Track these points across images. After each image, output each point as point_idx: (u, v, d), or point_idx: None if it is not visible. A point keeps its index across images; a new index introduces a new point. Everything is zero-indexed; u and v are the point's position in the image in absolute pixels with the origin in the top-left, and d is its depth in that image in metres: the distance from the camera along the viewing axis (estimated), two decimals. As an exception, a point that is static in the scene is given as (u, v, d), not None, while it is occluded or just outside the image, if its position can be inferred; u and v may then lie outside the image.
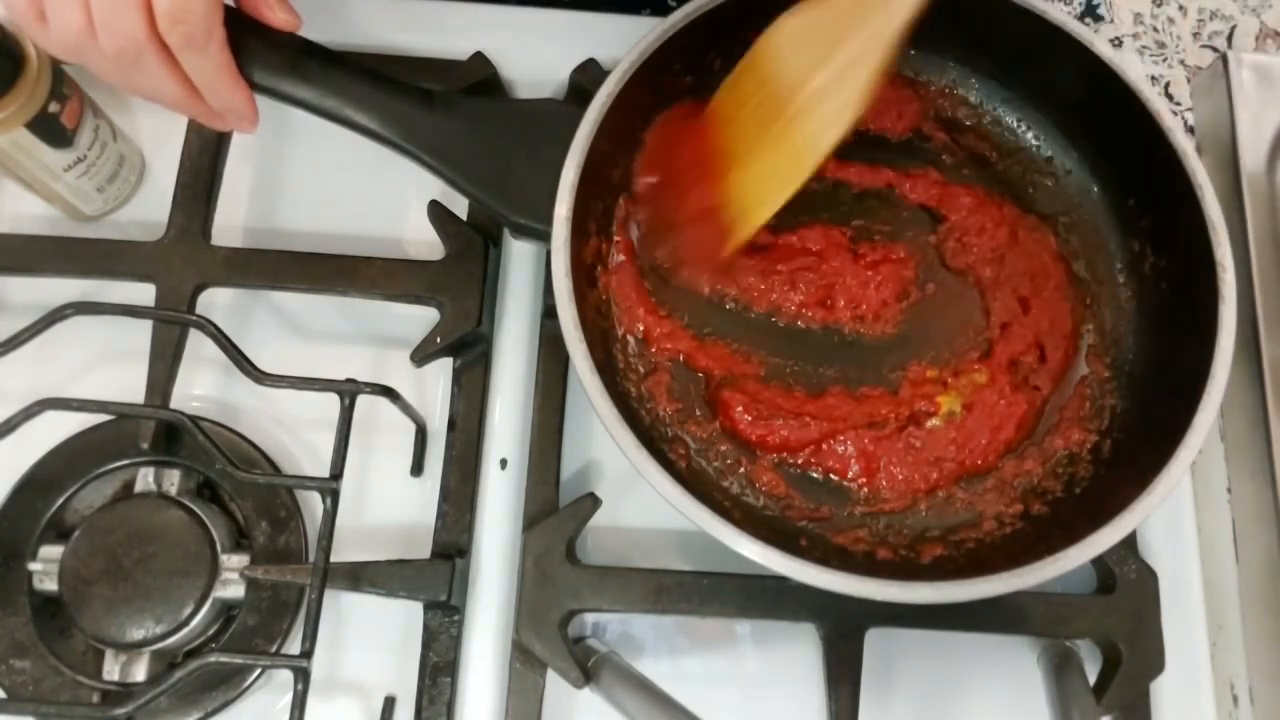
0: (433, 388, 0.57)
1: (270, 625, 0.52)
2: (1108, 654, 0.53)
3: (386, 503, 0.55)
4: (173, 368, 0.54)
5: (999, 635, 0.53)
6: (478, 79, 0.60)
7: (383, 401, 0.52)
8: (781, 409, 0.52)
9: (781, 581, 0.45)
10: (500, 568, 0.54)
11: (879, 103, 0.58)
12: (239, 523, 0.54)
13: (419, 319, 0.56)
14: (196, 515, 0.50)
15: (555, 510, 0.53)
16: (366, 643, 0.53)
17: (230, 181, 0.59)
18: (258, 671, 0.51)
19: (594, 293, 0.53)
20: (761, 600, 0.52)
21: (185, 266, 0.56)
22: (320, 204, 0.61)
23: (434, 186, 0.53)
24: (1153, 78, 0.71)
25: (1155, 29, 0.73)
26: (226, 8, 0.44)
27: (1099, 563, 0.53)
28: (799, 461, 0.52)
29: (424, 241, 0.58)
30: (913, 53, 0.59)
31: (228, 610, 0.52)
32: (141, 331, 0.53)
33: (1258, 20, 0.74)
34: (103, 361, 0.57)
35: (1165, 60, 0.73)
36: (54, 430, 0.53)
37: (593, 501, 0.53)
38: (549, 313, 0.57)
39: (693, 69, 0.56)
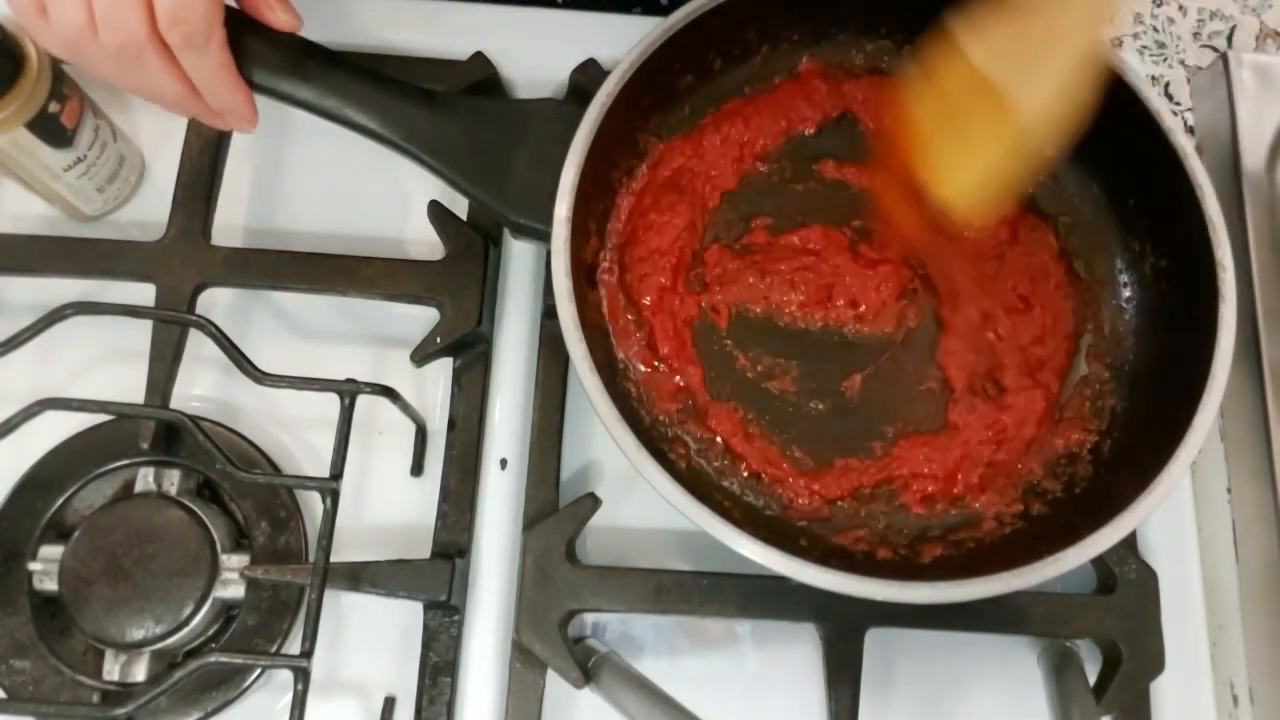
0: (433, 388, 0.57)
1: (270, 625, 0.52)
2: (1108, 654, 0.53)
3: (386, 503, 0.55)
4: (173, 368, 0.54)
5: (999, 635, 0.53)
6: (478, 79, 0.60)
7: (383, 401, 0.52)
8: None
9: (781, 581, 0.45)
10: (500, 568, 0.54)
11: (879, 102, 0.59)
12: (239, 523, 0.54)
13: (419, 319, 0.56)
14: (196, 515, 0.50)
15: (555, 510, 0.53)
16: (366, 643, 0.53)
17: (230, 181, 0.59)
18: (258, 671, 0.51)
19: (594, 293, 0.53)
20: (761, 600, 0.52)
21: (185, 266, 0.56)
22: (320, 204, 0.61)
23: (434, 186, 0.53)
24: (1153, 78, 0.71)
25: (1155, 29, 0.73)
26: (227, 8, 0.44)
27: (1099, 563, 0.53)
28: None
29: (424, 241, 0.58)
30: (913, 53, 0.59)
31: (228, 610, 0.52)
32: (141, 331, 0.53)
33: (1258, 20, 0.74)
34: (103, 361, 0.57)
35: (1165, 60, 0.73)
36: (54, 430, 0.53)
37: (593, 501, 0.53)
38: (549, 313, 0.57)
39: (693, 69, 0.56)
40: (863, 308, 0.55)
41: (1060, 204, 0.58)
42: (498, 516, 0.54)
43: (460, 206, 0.58)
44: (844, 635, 0.52)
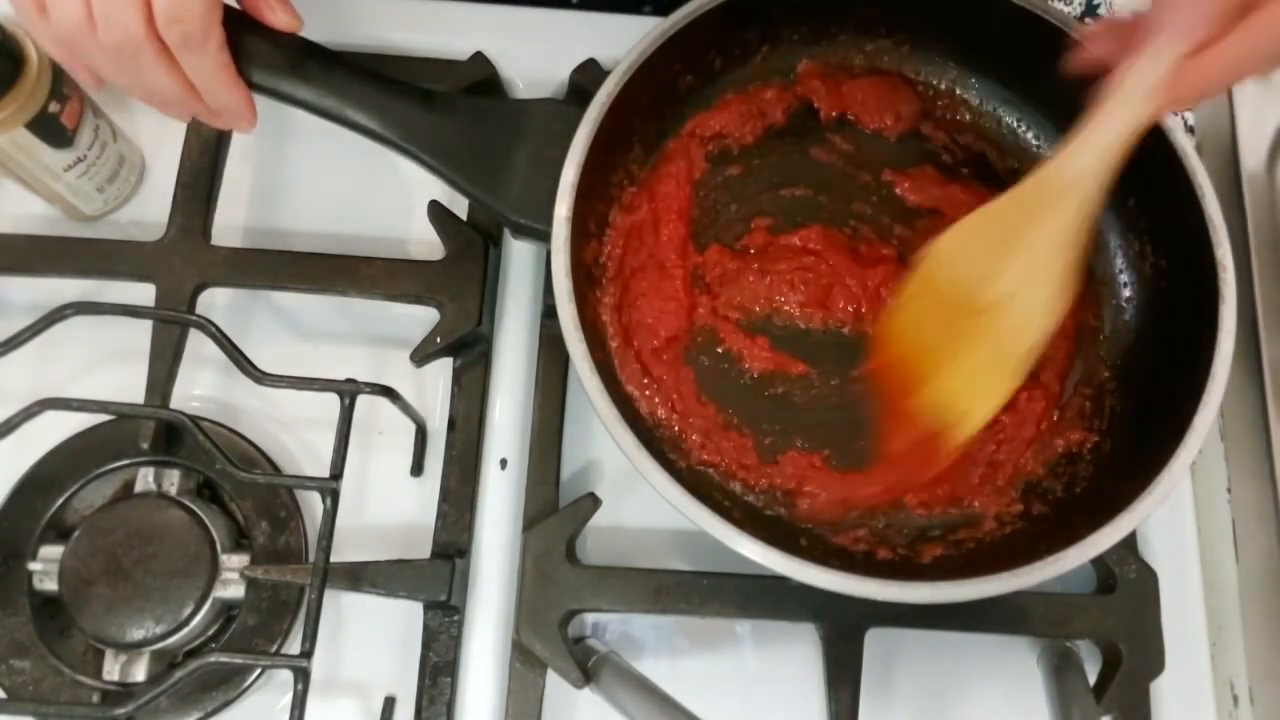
0: (433, 388, 0.57)
1: (270, 625, 0.52)
2: (1108, 654, 0.53)
3: (386, 503, 0.55)
4: (173, 368, 0.54)
5: (999, 635, 0.53)
6: (478, 79, 0.60)
7: (383, 401, 0.52)
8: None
9: (781, 581, 0.45)
10: (500, 568, 0.54)
11: (879, 102, 0.59)
12: (239, 523, 0.54)
13: (419, 319, 0.56)
14: (196, 515, 0.50)
15: (555, 510, 0.53)
16: (366, 643, 0.53)
17: (230, 181, 0.59)
18: (258, 671, 0.51)
19: (594, 293, 0.53)
20: (761, 600, 0.52)
21: (185, 266, 0.56)
22: (320, 204, 0.61)
23: (434, 186, 0.53)
24: (1153, 78, 0.71)
25: (1155, 29, 0.73)
26: (227, 8, 0.44)
27: (1099, 563, 0.53)
28: None
29: (424, 241, 0.58)
30: (913, 53, 0.59)
31: (228, 610, 0.52)
32: (141, 331, 0.53)
33: (1258, 20, 0.74)
34: (103, 361, 0.57)
35: (1165, 60, 0.72)
36: (54, 430, 0.53)
37: (593, 501, 0.53)
38: (549, 313, 0.57)
39: (693, 69, 0.56)
40: (862, 308, 0.55)
41: (1060, 204, 0.58)
42: (498, 516, 0.54)
43: (460, 206, 0.58)
44: (844, 635, 0.52)
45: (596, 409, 0.46)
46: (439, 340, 0.55)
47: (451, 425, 0.55)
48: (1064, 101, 0.57)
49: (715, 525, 0.44)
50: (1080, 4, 0.74)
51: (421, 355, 0.55)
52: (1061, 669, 0.51)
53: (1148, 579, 0.53)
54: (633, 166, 0.56)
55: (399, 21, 0.63)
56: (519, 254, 0.60)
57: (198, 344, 0.53)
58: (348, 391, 0.50)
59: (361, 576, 0.50)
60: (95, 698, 0.50)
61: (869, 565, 0.49)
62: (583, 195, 0.49)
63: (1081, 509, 0.50)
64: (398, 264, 0.56)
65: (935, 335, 0.47)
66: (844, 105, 0.59)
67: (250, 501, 0.54)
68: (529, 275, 0.59)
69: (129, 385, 0.53)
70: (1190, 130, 0.66)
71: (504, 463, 0.55)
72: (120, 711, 0.45)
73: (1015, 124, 0.59)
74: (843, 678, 0.51)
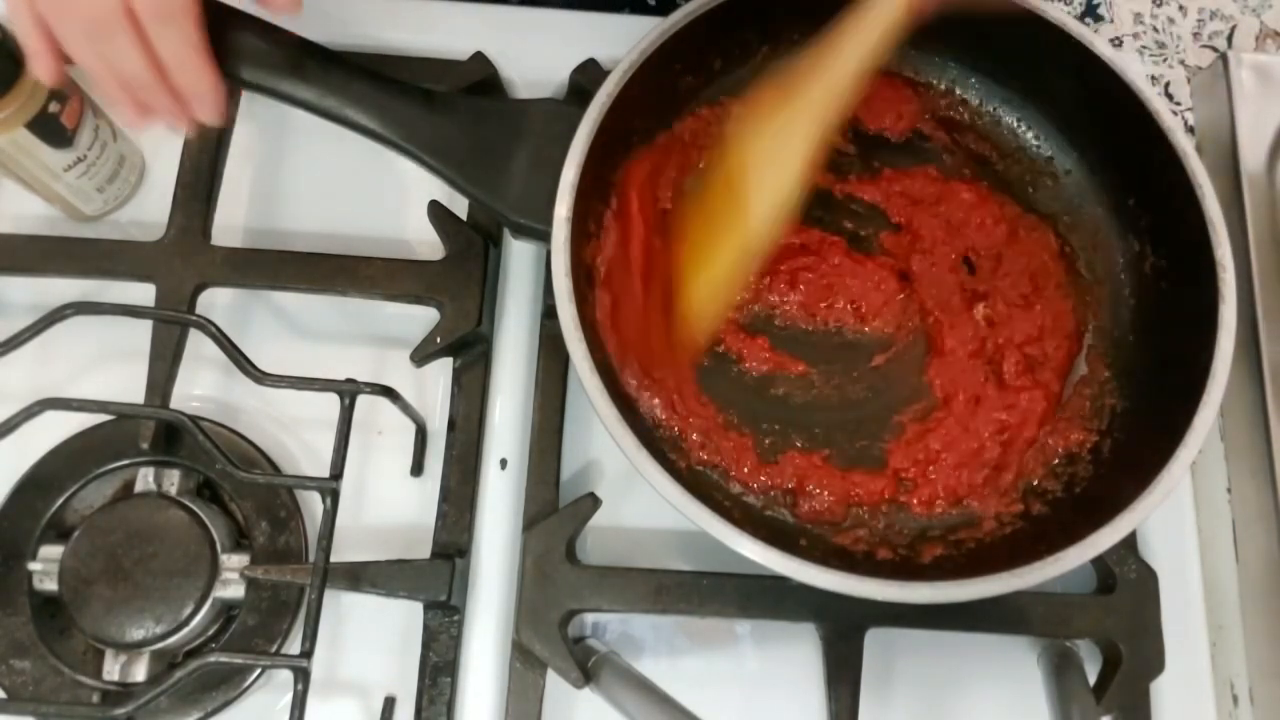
0: (433, 388, 0.57)
1: (270, 625, 0.52)
2: (1108, 654, 0.53)
3: (386, 503, 0.55)
4: (173, 368, 0.54)
5: (999, 635, 0.53)
6: (478, 79, 0.60)
7: (383, 401, 0.52)
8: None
9: (781, 581, 0.45)
10: (500, 568, 0.54)
11: (879, 102, 0.59)
12: (239, 523, 0.53)
13: (419, 319, 0.56)
14: (196, 515, 0.50)
15: (555, 510, 0.53)
16: (366, 643, 0.53)
17: (230, 181, 0.59)
18: (258, 671, 0.51)
19: (594, 293, 0.53)
20: (761, 600, 0.52)
21: (185, 266, 0.55)
22: (320, 204, 0.61)
23: (434, 186, 0.53)
24: (1153, 78, 0.72)
25: (1155, 29, 0.73)
26: (228, 7, 0.44)
27: (1099, 563, 0.53)
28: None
29: (424, 241, 0.58)
30: (913, 52, 0.59)
31: (228, 610, 0.52)
32: (141, 331, 0.53)
33: (1258, 20, 0.74)
34: (103, 361, 0.57)
35: (1165, 60, 0.73)
36: (54, 430, 0.53)
37: (593, 501, 0.53)
38: (549, 313, 0.57)
39: (693, 69, 0.56)
40: (862, 307, 0.55)
41: (1060, 204, 0.58)
42: (498, 516, 0.54)
43: (460, 206, 0.58)
44: (844, 635, 0.52)
45: (596, 409, 0.46)
46: (439, 340, 0.55)
47: (451, 425, 0.55)
48: (1064, 101, 0.57)
49: (715, 525, 0.44)
50: (1080, 4, 0.74)
51: (421, 355, 0.55)
52: (1061, 669, 0.51)
53: (1148, 579, 0.53)
54: (632, 166, 0.56)
55: (399, 21, 0.63)
56: (519, 254, 0.60)
57: (198, 344, 0.53)
58: (348, 391, 0.50)
59: (361, 576, 0.50)
60: (95, 698, 0.50)
61: (869, 565, 0.49)
62: (583, 195, 0.49)
63: (1081, 509, 0.50)
64: (398, 264, 0.56)
65: (701, 213, 0.49)
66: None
67: (250, 501, 0.54)
68: (529, 275, 0.59)
69: (129, 385, 0.53)
70: (1190, 130, 0.66)
71: (504, 463, 0.55)
72: (120, 711, 0.45)
73: (1015, 124, 0.59)
74: (843, 678, 0.51)
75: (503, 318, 0.58)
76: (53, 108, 0.51)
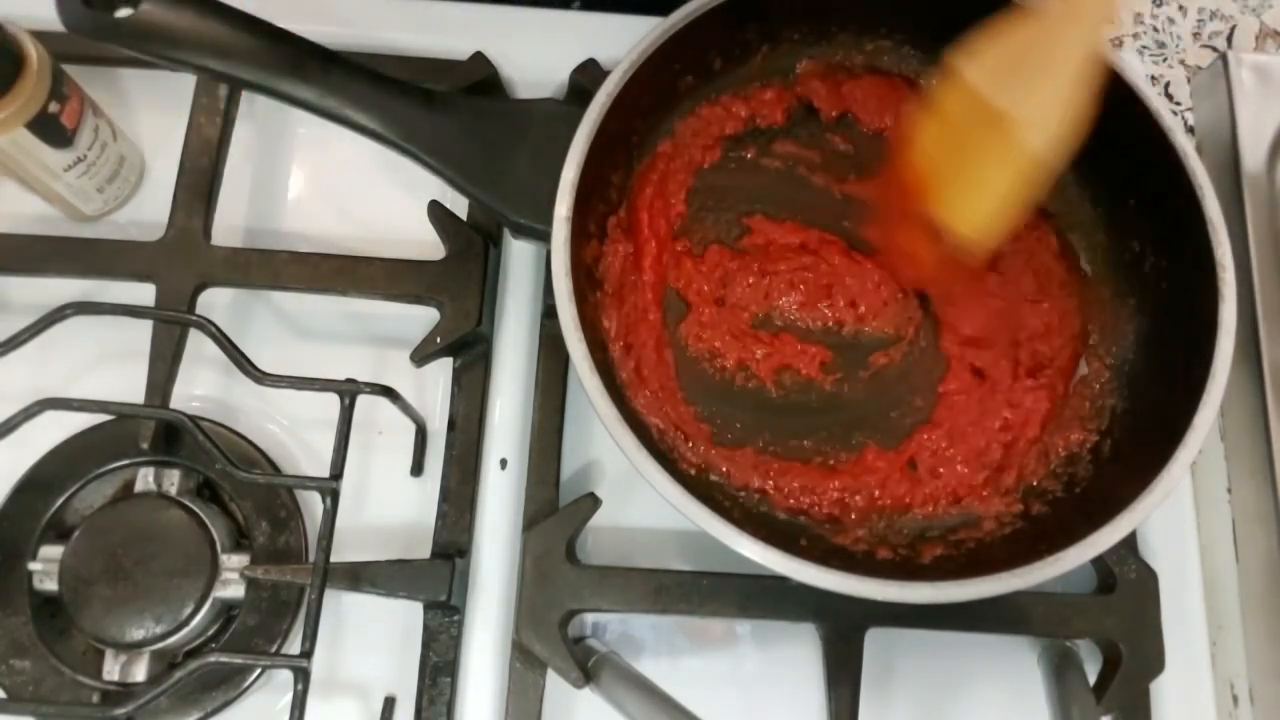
0: (433, 388, 0.57)
1: (270, 625, 0.52)
2: (1108, 654, 0.53)
3: (386, 503, 0.55)
4: (173, 368, 0.54)
5: (999, 635, 0.53)
6: (478, 79, 0.60)
7: (383, 401, 0.52)
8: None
9: (781, 581, 0.45)
10: (500, 568, 0.54)
11: (879, 102, 0.59)
12: (239, 523, 0.53)
13: (419, 319, 0.56)
14: (196, 515, 0.50)
15: (555, 510, 0.53)
16: (366, 643, 0.53)
17: (230, 181, 0.59)
18: (258, 671, 0.51)
19: (594, 293, 0.53)
20: (761, 600, 0.52)
21: (185, 266, 0.55)
22: (320, 204, 0.61)
23: (434, 186, 0.53)
24: (1153, 78, 0.71)
25: (1155, 29, 0.73)
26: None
27: (1099, 563, 0.53)
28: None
29: (424, 241, 0.58)
30: (913, 53, 0.59)
31: (228, 610, 0.52)
32: (141, 331, 0.53)
33: (1258, 20, 0.74)
34: (103, 361, 0.57)
35: (1165, 60, 0.72)
36: (54, 430, 0.53)
37: (593, 501, 0.52)
38: (549, 313, 0.57)
39: (693, 69, 0.56)
40: (862, 308, 0.55)
41: (1060, 204, 0.58)
42: (498, 516, 0.54)
43: (460, 206, 0.58)
44: (844, 635, 0.52)
45: (596, 409, 0.46)
46: (439, 340, 0.55)
47: (451, 425, 0.55)
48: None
49: (715, 525, 0.44)
50: (1080, 4, 0.74)
51: (421, 355, 0.55)
52: (1061, 669, 0.51)
53: (1148, 579, 0.53)
54: (632, 166, 0.56)
55: (399, 21, 0.63)
56: (519, 254, 0.60)
57: (198, 344, 0.53)
58: (348, 391, 0.50)
59: (361, 576, 0.50)
60: (95, 698, 0.50)
61: (869, 565, 0.49)
62: (583, 195, 0.49)
63: (1081, 509, 0.50)
64: (398, 264, 0.56)
65: (953, 147, 0.47)
66: (844, 105, 0.59)
67: (250, 501, 0.54)
68: (529, 275, 0.59)
69: (129, 385, 0.53)
70: (1190, 130, 0.66)
71: (504, 463, 0.55)
72: (120, 711, 0.44)
73: (1015, 124, 0.59)
74: (843, 678, 0.51)
75: (503, 318, 0.58)
76: (53, 108, 0.51)
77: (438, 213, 0.57)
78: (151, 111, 0.62)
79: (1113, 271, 0.56)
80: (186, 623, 0.49)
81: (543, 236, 0.49)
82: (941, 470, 0.52)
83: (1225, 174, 0.60)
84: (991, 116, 0.44)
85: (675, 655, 0.54)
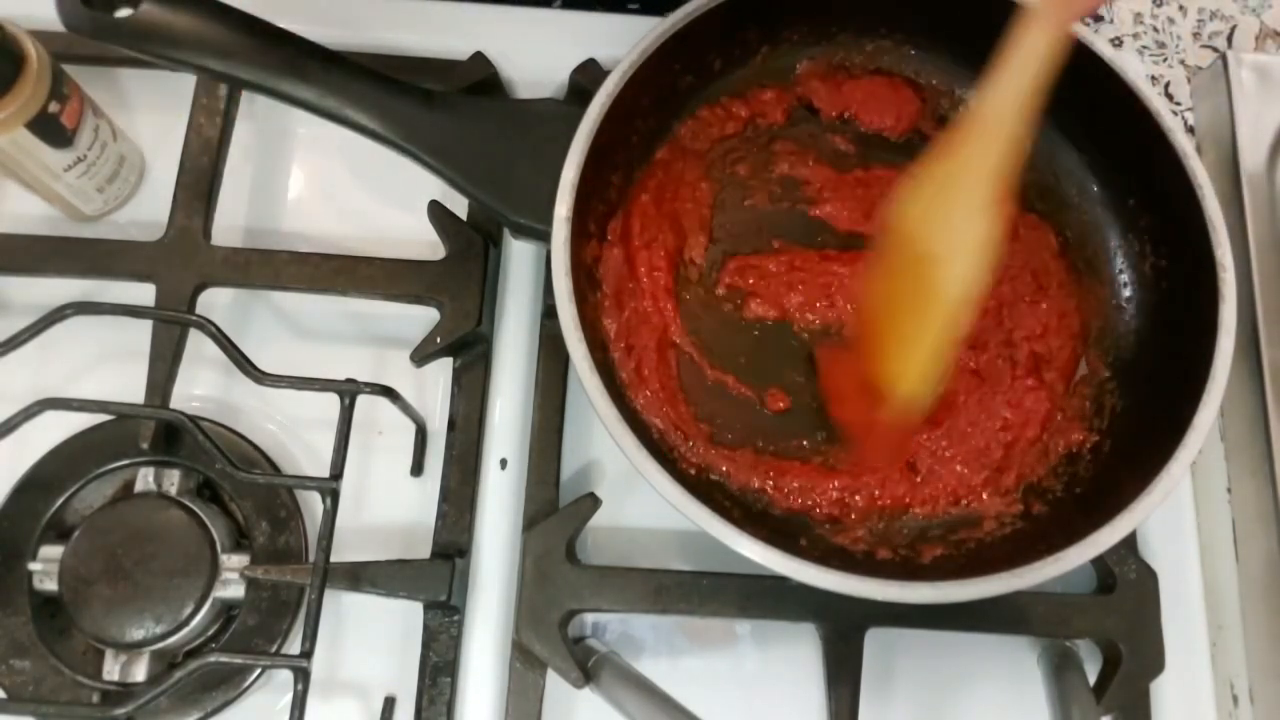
0: (433, 388, 0.57)
1: (270, 625, 0.52)
2: (1108, 654, 0.53)
3: (386, 503, 0.55)
4: (173, 368, 0.54)
5: (999, 635, 0.53)
6: (478, 79, 0.60)
7: (383, 401, 0.52)
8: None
9: (781, 581, 0.45)
10: (500, 568, 0.54)
11: (879, 102, 0.59)
12: (239, 523, 0.53)
13: (419, 319, 0.56)
14: (196, 515, 0.50)
15: (555, 510, 0.53)
16: (366, 643, 0.53)
17: (230, 181, 0.59)
18: (258, 671, 0.51)
19: (594, 293, 0.53)
20: (761, 600, 0.52)
21: (185, 266, 0.55)
22: (320, 203, 0.61)
23: (434, 186, 0.53)
24: (1153, 78, 0.71)
25: (1155, 29, 0.73)
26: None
27: (1099, 563, 0.53)
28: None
29: (424, 241, 0.58)
30: (913, 53, 0.59)
31: (228, 610, 0.52)
32: (141, 331, 0.53)
33: (1258, 20, 0.74)
34: (103, 361, 0.57)
35: (1165, 60, 0.72)
36: (54, 430, 0.53)
37: (593, 501, 0.52)
38: (549, 313, 0.57)
39: (693, 69, 0.56)
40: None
41: (1060, 203, 0.58)
42: (498, 516, 0.54)
43: (460, 206, 0.58)
44: (844, 635, 0.52)
45: (596, 409, 0.46)
46: (439, 340, 0.55)
47: (451, 425, 0.55)
48: (1064, 101, 0.57)
49: (715, 525, 0.44)
50: (1080, 4, 0.74)
51: (421, 355, 0.55)
52: (1061, 669, 0.51)
53: (1148, 579, 0.53)
54: (632, 167, 0.56)
55: (399, 21, 0.63)
56: (519, 254, 0.60)
57: (198, 344, 0.53)
58: (348, 391, 0.50)
59: (361, 576, 0.50)
60: (95, 698, 0.50)
61: (869, 565, 0.49)
62: (583, 195, 0.49)
63: (1081, 509, 0.50)
64: (398, 264, 0.56)
65: (887, 302, 0.47)
66: (844, 105, 0.59)
67: (250, 501, 0.54)
68: (529, 275, 0.59)
69: (129, 385, 0.53)
70: (1190, 130, 0.66)
71: (504, 463, 0.55)
72: (120, 711, 0.44)
73: (1015, 124, 0.59)
74: (843, 678, 0.51)
75: (503, 318, 0.58)
76: (53, 108, 0.51)
77: (438, 213, 0.57)
78: (151, 111, 0.62)
79: (1113, 271, 0.56)
80: (186, 623, 0.49)
81: (543, 236, 0.49)
82: (941, 470, 0.52)
83: (1225, 174, 0.60)
84: (920, 261, 0.44)
85: (675, 655, 0.54)
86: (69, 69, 0.54)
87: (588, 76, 0.59)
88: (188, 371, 0.55)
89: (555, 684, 0.51)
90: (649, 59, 0.51)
